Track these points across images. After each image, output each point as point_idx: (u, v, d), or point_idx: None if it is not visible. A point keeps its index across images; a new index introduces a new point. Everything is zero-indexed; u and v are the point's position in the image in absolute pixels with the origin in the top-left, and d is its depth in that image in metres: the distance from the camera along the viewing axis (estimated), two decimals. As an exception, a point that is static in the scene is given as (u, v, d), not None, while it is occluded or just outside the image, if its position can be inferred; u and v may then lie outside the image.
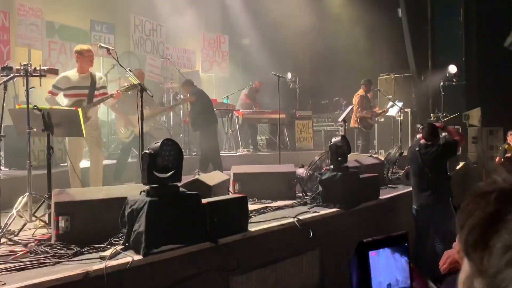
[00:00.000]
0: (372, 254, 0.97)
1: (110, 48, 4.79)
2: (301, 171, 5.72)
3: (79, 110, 4.21)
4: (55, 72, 4.13)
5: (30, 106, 3.94)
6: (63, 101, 5.30)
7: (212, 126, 7.83)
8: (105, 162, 7.25)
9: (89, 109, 5.14)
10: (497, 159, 8.29)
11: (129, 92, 5.24)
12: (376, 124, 10.12)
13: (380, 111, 9.62)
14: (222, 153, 9.16)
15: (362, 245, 0.98)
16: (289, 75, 11.76)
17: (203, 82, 11.26)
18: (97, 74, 5.52)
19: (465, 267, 0.49)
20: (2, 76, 3.94)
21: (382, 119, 10.23)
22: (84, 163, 7.20)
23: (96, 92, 5.29)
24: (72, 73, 5.30)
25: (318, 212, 4.49)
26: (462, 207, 0.50)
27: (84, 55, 5.25)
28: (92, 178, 5.25)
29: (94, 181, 5.21)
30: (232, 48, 12.73)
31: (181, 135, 9.07)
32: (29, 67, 3.92)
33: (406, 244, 1.08)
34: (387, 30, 11.42)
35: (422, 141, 5.22)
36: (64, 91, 5.20)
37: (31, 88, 4.06)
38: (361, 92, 9.47)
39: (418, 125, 5.87)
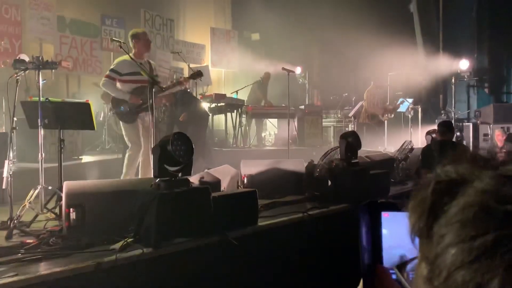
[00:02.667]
0: (384, 215, 0.88)
1: (122, 42, 4.79)
2: (310, 166, 5.69)
3: (91, 103, 4.23)
4: (67, 65, 4.15)
5: (42, 98, 3.97)
6: (120, 87, 5.07)
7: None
8: (115, 155, 7.32)
9: (158, 95, 4.92)
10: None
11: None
12: (386, 121, 10.06)
13: (391, 107, 9.57)
14: (232, 148, 9.17)
15: (374, 204, 0.90)
16: (299, 70, 11.73)
17: (212, 77, 11.26)
18: (152, 61, 5.32)
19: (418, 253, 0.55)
20: (14, 69, 3.96)
21: (392, 115, 10.18)
22: (95, 157, 7.27)
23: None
24: (129, 58, 4.95)
25: (328, 208, 4.47)
26: (410, 198, 0.56)
27: (141, 39, 5.04)
28: (142, 170, 5.06)
29: (144, 172, 5.00)
30: (242, 43, 12.72)
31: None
32: (41, 60, 3.95)
33: None
34: (398, 25, 11.33)
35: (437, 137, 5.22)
36: (123, 77, 4.94)
37: (43, 81, 4.09)
38: (372, 87, 9.42)
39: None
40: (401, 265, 0.91)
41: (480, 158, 0.53)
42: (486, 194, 0.47)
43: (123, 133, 5.18)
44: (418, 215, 0.53)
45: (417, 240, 0.54)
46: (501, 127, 8.59)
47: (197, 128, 7.60)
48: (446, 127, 5.31)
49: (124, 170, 5.02)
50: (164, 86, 5.00)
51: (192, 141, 3.34)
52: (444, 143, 5.11)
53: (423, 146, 7.74)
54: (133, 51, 5.04)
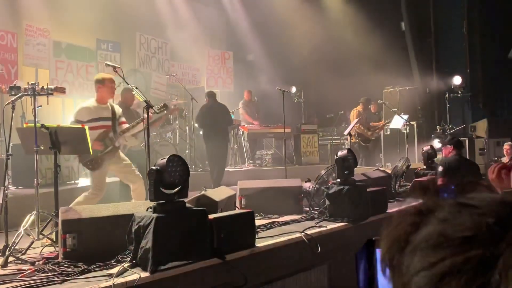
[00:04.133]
0: (379, 251, 0.95)
1: (117, 66, 4.83)
2: (307, 186, 5.70)
3: (86, 127, 4.23)
4: (62, 90, 4.17)
5: (38, 124, 3.98)
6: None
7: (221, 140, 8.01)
8: (112, 179, 7.28)
9: (118, 138, 4.93)
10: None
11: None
12: (382, 137, 10.10)
13: (376, 124, 9.67)
14: (228, 168, 9.16)
15: (371, 243, 0.96)
16: (294, 89, 11.82)
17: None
18: (114, 105, 5.28)
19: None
20: (10, 95, 3.98)
21: (388, 132, 10.22)
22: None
23: (118, 122, 5.06)
24: (92, 104, 5.01)
25: (326, 227, 4.46)
26: (381, 231, 0.59)
27: (106, 85, 5.00)
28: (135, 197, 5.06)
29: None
30: (237, 64, 12.82)
31: (187, 151, 9.10)
32: (36, 86, 3.97)
33: None
34: (391, 43, 11.48)
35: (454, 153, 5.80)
36: (86, 124, 4.71)
37: (38, 106, 4.10)
38: (359, 107, 9.56)
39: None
40: None
41: (443, 188, 0.56)
42: (445, 223, 0.50)
43: (90, 177, 5.10)
44: (388, 246, 0.55)
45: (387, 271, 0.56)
46: None
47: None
48: (461, 144, 6.11)
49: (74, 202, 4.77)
50: (125, 127, 5.03)
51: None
52: (464, 159, 5.72)
53: (423, 161, 7.76)
54: (95, 96, 5.07)
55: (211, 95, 8.57)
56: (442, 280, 0.46)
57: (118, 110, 5.16)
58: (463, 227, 0.48)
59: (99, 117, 4.91)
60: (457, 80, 10.71)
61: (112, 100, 5.37)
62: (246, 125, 10.16)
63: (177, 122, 9.17)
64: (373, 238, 0.95)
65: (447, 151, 5.95)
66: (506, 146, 8.07)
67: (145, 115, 4.60)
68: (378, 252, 0.94)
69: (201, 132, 8.78)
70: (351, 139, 8.28)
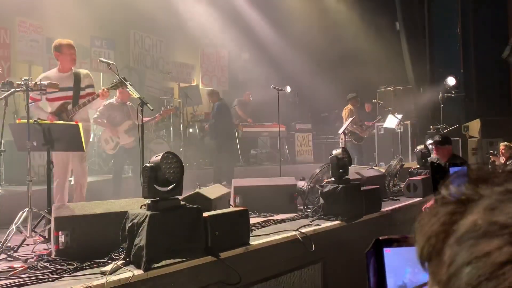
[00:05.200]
0: (386, 251, 0.96)
1: (111, 62, 4.79)
2: (302, 184, 5.69)
3: (80, 124, 4.19)
4: (55, 86, 4.13)
5: (31, 120, 3.94)
6: (46, 107, 4.70)
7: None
8: (105, 177, 7.25)
9: (75, 113, 4.58)
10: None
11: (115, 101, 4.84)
12: (376, 137, 10.12)
13: (368, 123, 9.70)
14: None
15: (379, 243, 0.98)
16: (288, 88, 11.81)
17: (202, 96, 11.29)
18: (82, 71, 4.86)
19: (428, 279, 0.54)
20: (2, 91, 3.94)
21: (382, 131, 10.25)
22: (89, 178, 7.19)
23: (82, 92, 4.68)
24: (53, 73, 4.64)
25: (320, 225, 4.46)
26: (416, 223, 0.56)
27: (63, 53, 4.63)
28: (75, 198, 4.70)
29: (76, 201, 4.58)
30: (232, 62, 12.80)
31: (181, 149, 9.07)
32: (29, 82, 3.93)
33: None
34: (386, 43, 11.51)
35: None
36: (47, 95, 4.47)
37: (31, 103, 4.06)
38: (349, 106, 9.58)
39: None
40: None
41: (482, 177, 0.53)
42: (494, 210, 0.48)
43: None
44: (427, 238, 0.53)
45: (419, 271, 0.54)
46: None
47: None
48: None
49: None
50: (81, 102, 4.65)
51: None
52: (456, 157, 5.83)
53: (414, 161, 7.79)
54: (58, 65, 4.74)
55: (217, 94, 8.71)
56: (501, 269, 0.44)
57: (85, 78, 4.71)
58: None
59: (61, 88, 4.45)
60: (451, 80, 10.76)
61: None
62: (240, 124, 10.14)
63: (171, 120, 9.14)
64: (380, 238, 0.97)
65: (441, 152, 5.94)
66: (501, 146, 8.13)
67: (100, 92, 4.46)
68: (386, 252, 0.95)
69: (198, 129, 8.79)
70: (345, 138, 8.30)
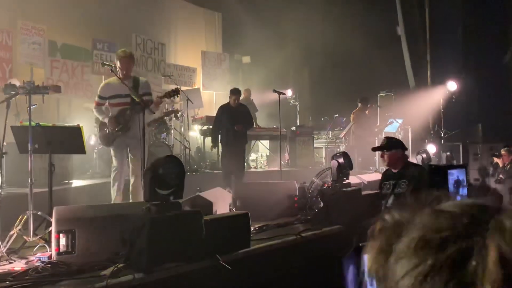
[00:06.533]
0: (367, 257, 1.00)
1: (113, 65, 4.81)
2: (302, 188, 5.69)
3: (81, 127, 4.21)
4: (57, 90, 4.15)
5: (33, 123, 3.95)
6: (109, 112, 5.06)
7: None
8: (107, 179, 7.24)
9: (131, 118, 4.85)
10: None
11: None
12: (377, 141, 10.10)
13: (377, 129, 9.69)
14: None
15: (358, 249, 1.01)
16: (290, 92, 11.84)
17: (204, 100, 11.32)
18: (141, 78, 5.19)
19: None
20: (5, 93, 3.95)
21: (383, 135, 10.25)
22: (86, 181, 7.20)
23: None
24: (114, 80, 4.99)
25: (321, 229, 4.46)
26: (367, 243, 0.64)
27: (123, 61, 4.96)
28: (132, 196, 4.99)
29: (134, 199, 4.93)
30: (233, 66, 12.83)
31: (182, 152, 9.08)
32: (32, 85, 3.94)
33: None
34: (387, 47, 11.53)
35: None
36: (108, 100, 4.94)
37: (33, 105, 4.08)
38: (359, 109, 9.56)
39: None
40: None
41: (418, 202, 0.62)
42: (424, 227, 0.55)
43: (111, 153, 5.23)
44: (373, 257, 0.60)
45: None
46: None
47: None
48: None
49: (111, 192, 5.03)
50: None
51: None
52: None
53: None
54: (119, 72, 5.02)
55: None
56: (426, 279, 0.51)
57: (143, 86, 5.03)
58: (442, 229, 0.54)
59: (118, 94, 4.92)
60: (451, 85, 10.77)
61: (137, 72, 5.35)
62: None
63: (172, 123, 9.15)
64: (360, 245, 0.98)
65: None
66: (503, 152, 8.15)
67: (154, 99, 4.84)
68: (366, 259, 0.98)
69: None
70: (346, 142, 8.30)
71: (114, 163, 5.09)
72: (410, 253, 0.54)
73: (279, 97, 7.62)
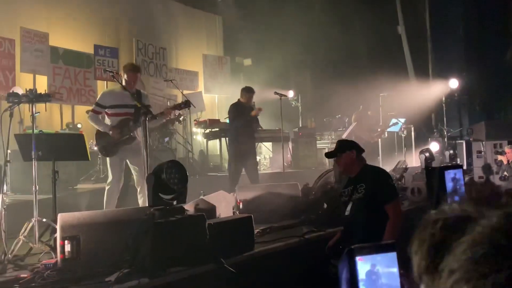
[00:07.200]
0: (359, 259, 0.99)
1: (115, 72, 4.84)
2: (306, 190, 5.70)
3: (84, 134, 4.24)
4: (60, 97, 4.18)
5: (36, 131, 3.98)
6: (106, 121, 5.01)
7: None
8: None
9: (136, 129, 4.84)
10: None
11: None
12: (380, 141, 10.11)
13: (379, 129, 9.68)
14: (226, 173, 9.16)
15: (351, 251, 1.00)
16: (291, 94, 11.84)
17: (206, 103, 11.34)
18: (143, 92, 5.17)
19: None
20: (8, 102, 3.98)
21: (386, 135, 10.25)
22: (90, 187, 7.23)
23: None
24: (118, 89, 4.93)
25: (324, 231, 4.46)
26: (415, 235, 0.57)
27: (131, 73, 4.94)
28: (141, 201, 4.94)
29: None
30: (234, 69, 12.85)
31: (185, 156, 9.10)
32: (35, 93, 3.97)
33: (394, 252, 1.11)
34: (388, 46, 11.53)
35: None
36: (108, 109, 4.87)
37: (36, 113, 4.11)
38: (361, 111, 9.58)
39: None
40: None
41: (482, 197, 0.54)
42: (496, 232, 0.48)
43: (108, 165, 5.07)
44: (425, 251, 0.54)
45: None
46: None
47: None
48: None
49: (104, 206, 4.84)
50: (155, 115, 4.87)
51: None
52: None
53: (418, 165, 7.80)
54: (123, 82, 4.98)
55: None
56: None
57: (145, 99, 4.99)
58: None
59: (121, 104, 4.84)
60: (453, 83, 10.76)
61: (143, 86, 5.32)
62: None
63: (175, 127, 9.18)
64: (352, 247, 1.00)
65: None
66: (507, 149, 8.14)
67: (164, 111, 4.84)
68: (359, 261, 0.99)
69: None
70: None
71: (110, 177, 4.93)
72: (476, 257, 0.47)
73: (280, 99, 7.63)
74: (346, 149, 3.69)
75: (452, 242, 0.51)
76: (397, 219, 3.50)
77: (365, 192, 3.47)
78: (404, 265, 1.06)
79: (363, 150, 3.81)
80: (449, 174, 1.69)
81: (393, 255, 1.09)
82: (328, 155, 3.97)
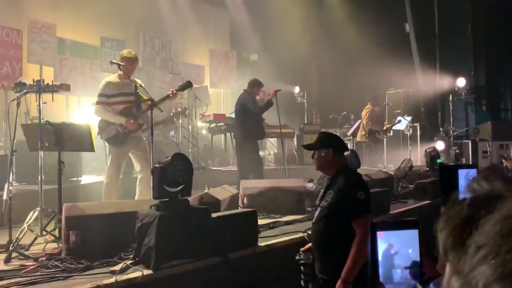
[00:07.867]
0: (380, 234, 1.03)
1: (121, 64, 4.84)
2: (310, 186, 5.70)
3: (90, 125, 4.24)
4: (67, 88, 4.19)
5: (42, 121, 3.99)
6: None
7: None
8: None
9: (141, 115, 4.90)
10: None
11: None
12: (385, 139, 10.08)
13: (387, 125, 9.62)
14: (230, 167, 9.17)
15: (373, 225, 1.05)
16: (297, 89, 11.82)
17: (211, 97, 11.34)
18: (137, 80, 5.23)
19: (446, 268, 0.54)
20: (15, 92, 4.00)
21: (391, 134, 10.21)
22: (95, 178, 7.26)
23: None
24: (115, 79, 5.01)
25: (328, 227, 4.45)
26: (443, 213, 0.56)
27: (130, 63, 5.06)
28: (139, 195, 4.94)
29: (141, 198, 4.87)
30: (240, 64, 12.83)
31: (190, 150, 9.11)
32: (42, 83, 3.98)
33: (416, 230, 1.11)
34: (395, 44, 11.46)
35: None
36: (111, 98, 4.92)
37: (43, 103, 4.12)
38: (370, 106, 9.50)
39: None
40: (425, 281, 1.06)
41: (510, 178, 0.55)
42: None
43: (110, 156, 5.05)
44: (452, 228, 0.53)
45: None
46: None
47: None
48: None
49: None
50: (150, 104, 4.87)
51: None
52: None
53: (423, 164, 7.77)
54: (119, 72, 5.04)
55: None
56: None
57: (140, 87, 5.05)
58: None
59: (122, 92, 4.91)
60: (460, 82, 10.70)
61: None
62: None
63: (180, 121, 9.19)
64: (374, 221, 1.04)
65: None
66: None
67: (170, 93, 4.86)
68: (379, 236, 1.02)
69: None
70: (354, 140, 8.26)
71: (110, 170, 4.90)
72: (505, 232, 0.46)
73: (276, 96, 7.56)
74: (323, 147, 3.04)
75: (480, 219, 0.50)
76: (364, 238, 2.67)
77: (331, 201, 2.85)
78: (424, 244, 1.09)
79: (345, 149, 3.22)
80: (463, 173, 1.70)
81: (415, 232, 1.11)
82: (306, 147, 3.31)
